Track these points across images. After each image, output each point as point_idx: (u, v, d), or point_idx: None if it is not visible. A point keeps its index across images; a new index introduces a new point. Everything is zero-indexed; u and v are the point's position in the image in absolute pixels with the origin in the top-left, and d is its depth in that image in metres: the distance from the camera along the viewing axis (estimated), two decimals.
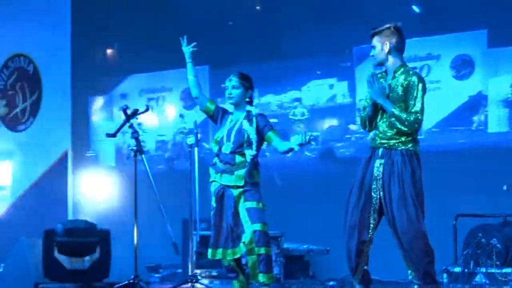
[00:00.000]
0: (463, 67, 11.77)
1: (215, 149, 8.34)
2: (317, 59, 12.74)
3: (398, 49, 7.38)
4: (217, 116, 8.48)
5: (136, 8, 14.24)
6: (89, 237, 7.55)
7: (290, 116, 13.44)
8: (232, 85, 8.29)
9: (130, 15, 14.30)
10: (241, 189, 8.08)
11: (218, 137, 8.31)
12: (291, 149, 7.95)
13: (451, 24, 11.84)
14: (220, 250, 8.23)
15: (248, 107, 8.29)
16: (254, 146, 8.11)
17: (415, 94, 7.15)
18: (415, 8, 12.45)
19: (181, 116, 14.26)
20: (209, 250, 8.31)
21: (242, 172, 8.09)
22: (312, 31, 13.20)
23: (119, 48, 14.88)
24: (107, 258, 7.61)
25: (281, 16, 13.57)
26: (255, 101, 12.51)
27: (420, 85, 7.16)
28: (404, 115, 7.09)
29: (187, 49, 8.58)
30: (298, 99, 13.56)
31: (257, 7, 13.49)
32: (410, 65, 10.55)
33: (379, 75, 7.44)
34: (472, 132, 11.50)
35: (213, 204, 8.27)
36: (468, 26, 11.83)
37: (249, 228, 8.01)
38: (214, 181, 8.26)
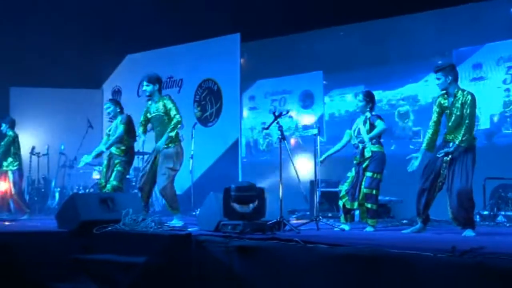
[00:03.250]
0: None
1: (352, 141, 8.62)
2: (422, 61, 11.41)
3: (455, 79, 7.58)
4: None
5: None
6: (251, 192, 7.67)
7: (396, 112, 12.67)
8: (359, 99, 8.58)
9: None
10: (368, 160, 8.31)
11: (353, 138, 8.62)
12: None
13: None
14: (348, 201, 8.48)
15: (368, 114, 8.46)
16: (367, 143, 8.32)
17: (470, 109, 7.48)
18: None
19: (299, 113, 14.09)
20: (343, 198, 8.53)
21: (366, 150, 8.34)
22: (416, 37, 12.24)
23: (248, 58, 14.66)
24: (263, 205, 7.76)
25: (387, 27, 12.77)
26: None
27: (473, 102, 7.49)
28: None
29: None
30: (405, 98, 12.50)
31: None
32: (508, 64, 11.16)
33: (440, 97, 7.72)
34: None
35: (349, 174, 8.55)
36: None
37: (363, 190, 8.31)
38: (355, 159, 8.53)
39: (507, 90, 11.48)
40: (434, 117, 7.75)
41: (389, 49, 12.80)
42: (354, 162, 8.52)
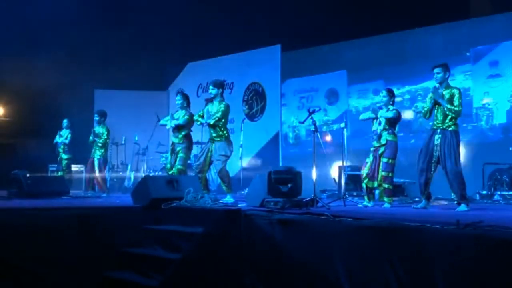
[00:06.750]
0: None
1: (377, 127, 8.47)
2: (439, 59, 10.71)
3: (448, 76, 7.52)
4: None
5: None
6: (289, 174, 7.67)
7: (413, 109, 12.11)
8: (383, 95, 8.46)
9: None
10: (383, 147, 8.22)
11: (374, 124, 8.50)
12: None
13: None
14: (369, 182, 8.43)
15: (390, 107, 8.38)
16: (383, 126, 8.25)
17: (456, 98, 7.35)
18: None
19: (325, 110, 13.84)
20: (365, 180, 8.45)
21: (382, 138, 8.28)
22: (434, 37, 11.49)
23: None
24: (299, 185, 7.75)
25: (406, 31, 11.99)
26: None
27: (459, 93, 7.41)
28: (452, 107, 7.27)
29: None
30: (422, 95, 11.51)
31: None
32: None
33: (437, 86, 7.52)
34: None
35: (367, 160, 8.46)
36: None
37: (380, 173, 8.27)
38: (373, 145, 8.46)
39: None
40: (428, 104, 7.63)
41: (408, 49, 12.27)
42: (371, 148, 8.46)
